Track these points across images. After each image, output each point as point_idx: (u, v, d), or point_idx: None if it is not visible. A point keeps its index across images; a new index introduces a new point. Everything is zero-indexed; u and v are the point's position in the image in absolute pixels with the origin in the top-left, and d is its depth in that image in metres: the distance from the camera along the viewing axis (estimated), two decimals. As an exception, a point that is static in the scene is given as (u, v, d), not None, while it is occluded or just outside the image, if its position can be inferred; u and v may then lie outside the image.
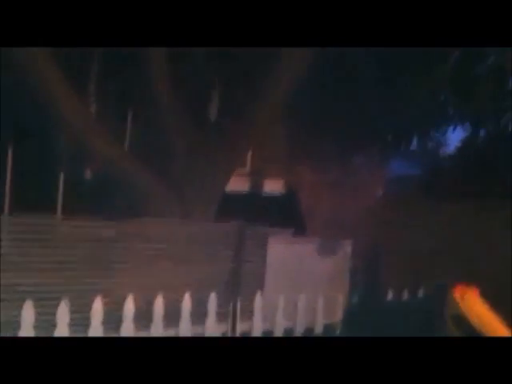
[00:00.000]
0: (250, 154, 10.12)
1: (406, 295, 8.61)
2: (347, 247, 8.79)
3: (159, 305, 6.70)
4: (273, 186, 10.96)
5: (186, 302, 6.92)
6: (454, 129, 8.11)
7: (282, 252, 8.04)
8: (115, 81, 9.09)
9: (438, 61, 7.54)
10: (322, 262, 8.37)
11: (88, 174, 8.72)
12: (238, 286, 7.53)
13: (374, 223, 10.64)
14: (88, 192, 8.56)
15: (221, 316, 7.28)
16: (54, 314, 5.93)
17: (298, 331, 7.90)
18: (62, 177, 8.31)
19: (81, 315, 6.10)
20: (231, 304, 7.34)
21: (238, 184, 9.41)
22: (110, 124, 8.19)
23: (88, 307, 6.15)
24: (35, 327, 5.78)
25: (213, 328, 7.13)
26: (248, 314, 7.51)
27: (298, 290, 7.60)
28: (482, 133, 9.29)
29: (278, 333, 7.67)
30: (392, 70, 7.92)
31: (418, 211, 10.92)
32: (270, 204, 10.19)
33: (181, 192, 7.87)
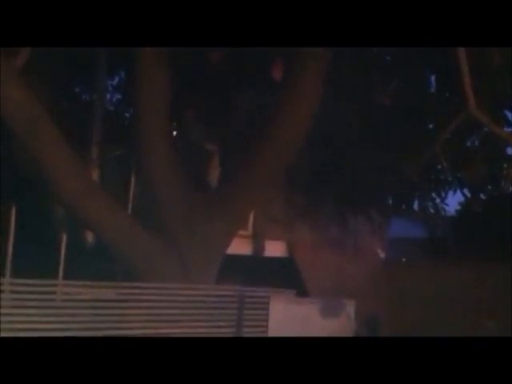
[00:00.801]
0: (251, 216, 10.17)
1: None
2: (350, 307, 8.70)
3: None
4: (274, 248, 10.95)
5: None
6: (454, 192, 8.22)
7: (284, 313, 7.97)
8: (117, 145, 9.25)
9: (434, 130, 7.74)
10: (325, 322, 8.27)
11: (89, 237, 8.73)
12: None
13: (376, 284, 10.58)
14: (89, 255, 8.56)
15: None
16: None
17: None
18: (64, 240, 8.33)
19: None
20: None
21: (239, 246, 9.41)
22: (112, 188, 8.27)
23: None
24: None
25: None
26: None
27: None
28: (481, 196, 9.40)
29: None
30: (390, 143, 8.14)
31: (419, 273, 10.86)
32: (272, 265, 10.16)
33: (181, 255, 7.86)
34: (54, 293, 7.01)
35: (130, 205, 9.07)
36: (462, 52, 5.63)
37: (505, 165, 7.19)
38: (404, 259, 13.90)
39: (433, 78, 8.61)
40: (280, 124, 7.73)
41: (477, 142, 7.32)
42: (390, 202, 9.38)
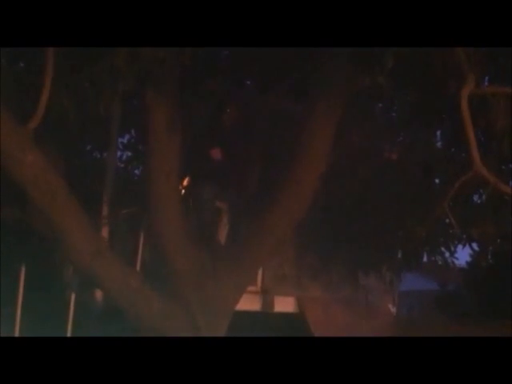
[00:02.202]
0: (260, 272, 10.16)
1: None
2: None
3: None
4: (284, 304, 10.88)
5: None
6: (463, 247, 8.21)
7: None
8: (127, 204, 9.35)
9: (442, 186, 7.80)
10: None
11: (99, 297, 8.73)
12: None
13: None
14: (98, 315, 8.53)
15: None
16: None
17: None
18: (72, 299, 8.34)
19: None
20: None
21: (248, 302, 9.37)
22: (121, 247, 8.31)
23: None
24: None
25: None
26: None
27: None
28: (489, 252, 9.37)
29: None
30: (399, 199, 8.22)
31: (431, 330, 10.70)
32: (282, 322, 10.08)
33: (191, 313, 7.83)
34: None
35: (139, 264, 9.09)
36: (467, 114, 5.75)
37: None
38: (416, 314, 13.73)
39: (439, 133, 8.73)
40: (290, 182, 7.82)
41: (484, 198, 7.37)
42: (400, 257, 9.35)
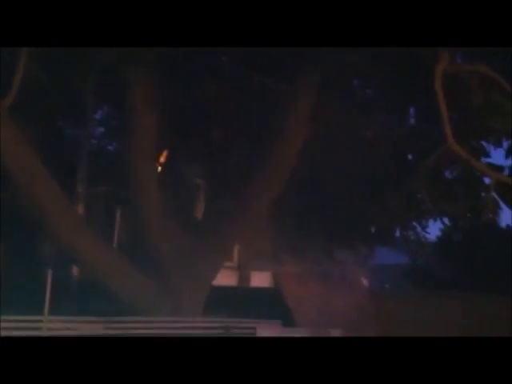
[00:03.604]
0: (237, 248, 10.26)
1: None
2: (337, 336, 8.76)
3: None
4: (260, 279, 11.02)
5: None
6: (435, 221, 8.42)
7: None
8: (103, 182, 9.31)
9: (415, 162, 7.94)
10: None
11: (76, 274, 8.73)
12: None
13: (362, 313, 10.68)
14: (76, 291, 8.55)
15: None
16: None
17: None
18: (50, 276, 8.32)
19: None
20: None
21: (225, 278, 9.47)
22: (98, 224, 8.31)
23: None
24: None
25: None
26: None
27: None
28: (461, 225, 9.61)
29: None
30: (373, 175, 8.35)
31: (404, 302, 10.97)
32: (258, 296, 10.22)
33: (169, 288, 7.90)
34: (40, 329, 6.97)
35: (116, 240, 9.10)
36: (440, 92, 5.86)
37: (483, 194, 7.40)
38: (389, 287, 14.04)
39: (413, 110, 8.86)
40: (267, 160, 7.90)
41: (456, 173, 7.54)
42: (373, 231, 9.53)
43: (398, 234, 10.20)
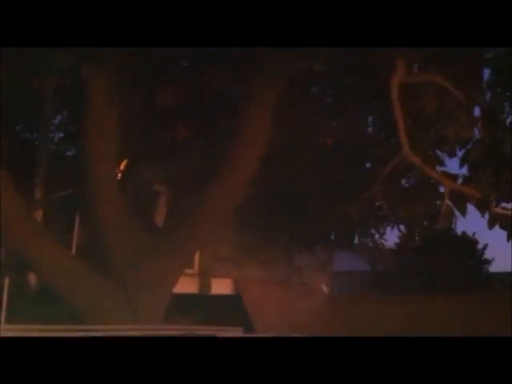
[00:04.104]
0: (197, 254, 10.25)
1: None
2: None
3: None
4: (221, 286, 11.04)
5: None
6: (392, 229, 8.60)
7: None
8: (62, 186, 9.20)
9: (372, 170, 8.11)
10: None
11: (33, 280, 8.60)
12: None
13: (323, 319, 10.80)
14: (33, 297, 8.42)
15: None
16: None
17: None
18: (6, 283, 8.18)
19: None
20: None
21: (186, 284, 9.46)
22: (56, 229, 8.21)
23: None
24: None
25: None
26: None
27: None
28: (417, 232, 9.84)
29: None
30: (332, 182, 8.48)
31: (364, 307, 11.15)
32: (219, 303, 10.24)
33: (128, 294, 7.85)
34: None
35: (75, 246, 9.00)
36: (396, 102, 6.01)
37: (438, 202, 7.60)
38: (348, 292, 14.23)
39: (371, 119, 9.04)
40: (228, 165, 7.93)
41: (412, 182, 7.73)
42: (333, 238, 9.68)
43: (356, 240, 10.37)
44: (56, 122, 11.32)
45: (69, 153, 11.55)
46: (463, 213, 7.30)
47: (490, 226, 7.05)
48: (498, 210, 6.84)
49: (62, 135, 11.76)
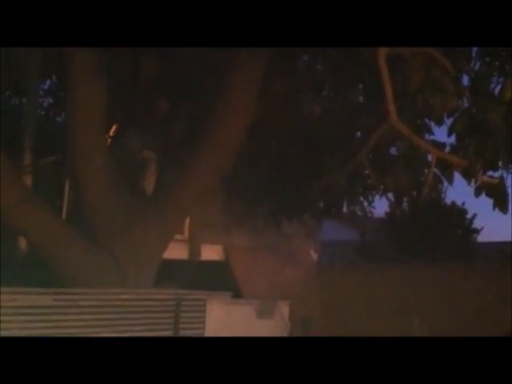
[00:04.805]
0: (187, 221, 10.32)
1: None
2: (284, 308, 9.00)
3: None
4: (210, 252, 11.13)
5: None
6: (380, 197, 8.65)
7: (221, 314, 8.18)
8: (50, 152, 9.19)
9: (361, 139, 8.13)
10: (260, 322, 8.52)
11: (24, 245, 8.64)
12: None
13: (309, 286, 10.94)
14: (24, 262, 8.48)
15: None
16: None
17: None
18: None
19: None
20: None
21: (175, 251, 9.54)
22: (46, 195, 8.23)
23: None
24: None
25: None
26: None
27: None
28: (405, 201, 9.90)
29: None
30: (321, 150, 8.49)
31: (350, 275, 11.29)
32: (208, 269, 10.34)
33: (118, 260, 7.92)
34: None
35: (65, 212, 9.03)
36: (385, 69, 6.00)
37: (426, 170, 7.64)
38: (337, 261, 14.39)
39: (360, 88, 9.02)
40: (216, 133, 7.94)
41: (400, 150, 7.76)
42: (322, 206, 9.73)
43: (345, 209, 10.43)
44: (45, 87, 11.25)
45: (58, 118, 11.51)
46: (450, 181, 7.36)
47: (477, 194, 7.12)
48: (485, 178, 6.89)
49: (51, 101, 11.70)
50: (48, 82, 11.19)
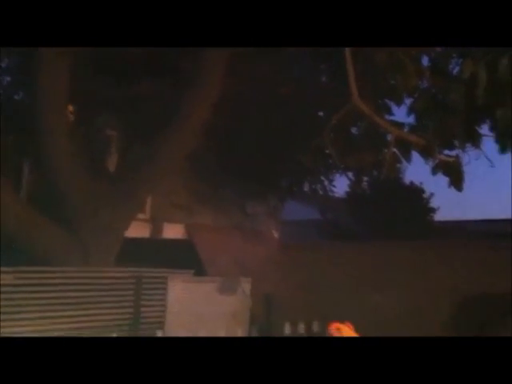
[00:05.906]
0: (149, 200, 10.31)
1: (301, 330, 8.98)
2: (246, 285, 9.12)
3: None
4: (173, 231, 11.15)
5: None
6: (341, 176, 8.81)
7: (182, 291, 8.24)
8: (11, 132, 9.03)
9: (323, 118, 8.22)
10: (222, 299, 8.62)
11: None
12: (138, 328, 7.64)
13: (271, 264, 11.10)
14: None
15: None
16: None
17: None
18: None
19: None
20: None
21: (137, 230, 9.54)
22: (6, 175, 8.11)
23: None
24: None
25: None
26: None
27: (198, 326, 7.75)
28: (365, 180, 10.10)
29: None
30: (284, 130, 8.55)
31: (313, 254, 11.48)
32: (170, 248, 10.37)
33: (80, 239, 7.91)
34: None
35: (25, 192, 8.90)
36: (347, 49, 6.07)
37: (385, 150, 7.78)
38: (299, 239, 14.58)
39: (323, 68, 9.11)
40: (181, 113, 7.93)
41: (361, 130, 7.87)
42: (284, 185, 9.85)
43: (307, 188, 10.58)
44: (4, 65, 10.99)
45: (16, 97, 11.27)
46: (407, 159, 7.52)
47: (434, 172, 7.29)
48: (442, 157, 7.07)
49: (9, 79, 11.44)
50: (6, 60, 10.92)
